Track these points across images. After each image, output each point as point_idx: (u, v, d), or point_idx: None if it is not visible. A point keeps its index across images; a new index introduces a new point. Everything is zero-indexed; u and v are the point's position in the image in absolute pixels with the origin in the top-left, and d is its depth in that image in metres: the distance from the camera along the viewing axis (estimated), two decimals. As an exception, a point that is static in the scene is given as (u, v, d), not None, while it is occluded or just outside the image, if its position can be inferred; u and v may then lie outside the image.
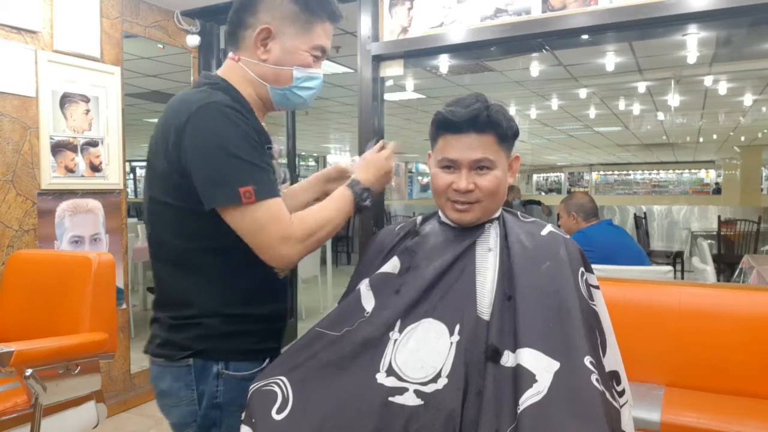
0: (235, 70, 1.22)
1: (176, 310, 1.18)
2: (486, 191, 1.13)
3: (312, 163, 18.48)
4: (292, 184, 1.47)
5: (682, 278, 6.47)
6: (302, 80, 1.22)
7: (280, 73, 1.20)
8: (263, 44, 1.18)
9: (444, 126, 1.15)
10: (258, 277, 1.19)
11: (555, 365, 0.96)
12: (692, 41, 4.55)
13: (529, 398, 0.93)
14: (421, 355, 1.03)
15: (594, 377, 0.96)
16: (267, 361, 1.23)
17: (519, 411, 0.92)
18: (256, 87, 1.22)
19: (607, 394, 0.99)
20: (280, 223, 1.10)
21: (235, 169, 1.08)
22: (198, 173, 1.08)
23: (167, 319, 1.19)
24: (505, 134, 1.14)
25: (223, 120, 1.09)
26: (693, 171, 21.21)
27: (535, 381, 0.94)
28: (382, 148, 1.34)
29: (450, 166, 1.15)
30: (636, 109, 8.45)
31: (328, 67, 5.89)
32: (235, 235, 1.11)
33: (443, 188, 1.16)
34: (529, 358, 0.97)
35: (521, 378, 0.95)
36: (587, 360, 0.97)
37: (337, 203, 1.21)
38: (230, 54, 1.24)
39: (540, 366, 0.96)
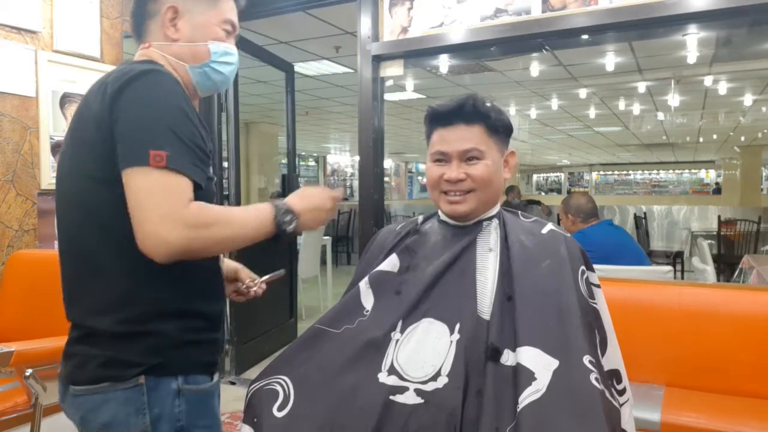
0: (152, 56, 1.13)
1: (119, 312, 1.01)
2: (478, 180, 1.14)
3: (312, 163, 18.44)
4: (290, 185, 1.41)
5: (682, 278, 6.46)
6: (220, 54, 1.16)
7: (196, 49, 1.14)
8: (173, 24, 1.13)
9: (434, 119, 1.18)
10: (208, 267, 1.08)
11: (554, 363, 0.96)
12: (692, 41, 4.55)
13: (528, 396, 0.93)
14: (421, 354, 1.03)
15: (593, 376, 0.96)
16: (216, 376, 1.13)
17: (518, 409, 0.93)
18: (178, 71, 1.13)
19: (607, 393, 0.99)
20: (171, 198, 0.94)
21: (155, 134, 0.96)
22: (120, 134, 0.97)
23: (109, 328, 1.01)
24: (495, 126, 1.16)
25: (164, 89, 1.01)
26: (693, 171, 21.22)
27: (534, 379, 0.95)
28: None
29: (441, 159, 1.17)
30: (636, 109, 8.45)
31: (328, 67, 5.88)
32: None
33: (436, 180, 1.18)
34: (529, 356, 0.97)
35: (521, 376, 0.96)
36: (586, 359, 0.98)
37: (253, 212, 1.05)
38: (140, 46, 1.16)
39: (539, 364, 0.96)
